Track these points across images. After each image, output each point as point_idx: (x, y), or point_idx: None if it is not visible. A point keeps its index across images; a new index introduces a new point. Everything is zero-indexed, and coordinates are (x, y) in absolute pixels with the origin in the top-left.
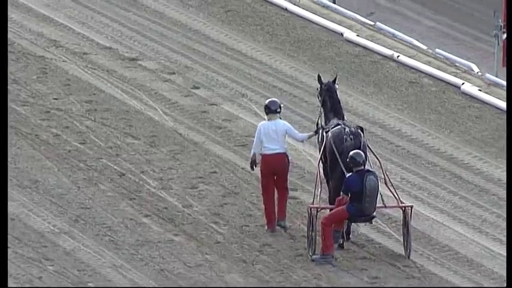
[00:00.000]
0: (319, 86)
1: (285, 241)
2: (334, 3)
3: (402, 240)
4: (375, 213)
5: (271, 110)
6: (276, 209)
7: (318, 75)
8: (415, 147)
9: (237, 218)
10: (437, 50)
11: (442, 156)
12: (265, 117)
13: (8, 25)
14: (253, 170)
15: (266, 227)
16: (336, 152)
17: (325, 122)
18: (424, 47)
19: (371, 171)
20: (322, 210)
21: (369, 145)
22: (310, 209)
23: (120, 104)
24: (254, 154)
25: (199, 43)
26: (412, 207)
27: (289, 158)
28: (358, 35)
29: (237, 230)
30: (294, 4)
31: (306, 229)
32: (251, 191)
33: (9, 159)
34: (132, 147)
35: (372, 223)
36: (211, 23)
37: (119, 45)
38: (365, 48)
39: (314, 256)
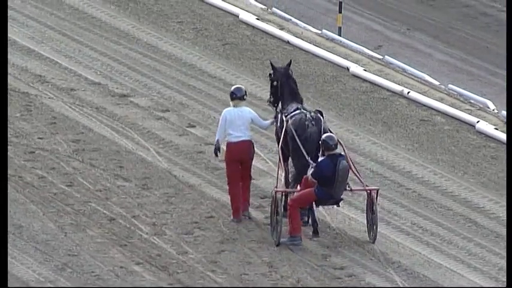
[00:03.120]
0: (272, 71)
1: None
2: (340, 35)
3: (366, 224)
4: (342, 196)
5: (237, 96)
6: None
7: (270, 61)
8: (426, 190)
9: (236, 265)
10: (450, 86)
11: (456, 199)
12: (231, 103)
13: None
14: (217, 156)
15: (231, 217)
16: (298, 139)
17: (283, 106)
18: (436, 83)
19: (342, 155)
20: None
21: (330, 129)
22: (276, 193)
23: (110, 144)
24: (218, 141)
25: (195, 78)
26: (378, 190)
27: (254, 145)
28: (365, 70)
29: (235, 279)
30: (297, 37)
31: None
32: (250, 237)
33: None
34: (123, 190)
35: (338, 206)
36: (208, 56)
37: (108, 80)
38: (373, 83)
39: (282, 239)
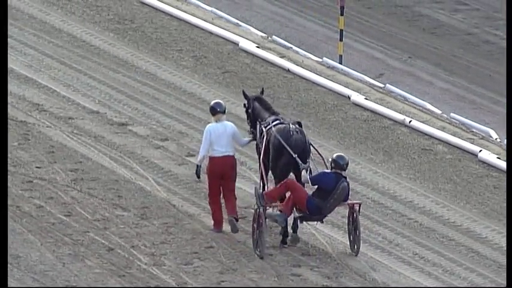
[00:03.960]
0: (246, 101)
1: None
2: (341, 63)
3: (348, 237)
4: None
5: (219, 110)
6: (228, 213)
7: (243, 90)
8: (428, 220)
9: None
10: (452, 115)
11: (458, 229)
12: (212, 119)
13: None
14: (198, 178)
15: (213, 228)
16: (286, 145)
17: (256, 121)
18: (438, 111)
19: (346, 179)
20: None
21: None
22: (259, 207)
23: (108, 173)
24: (203, 159)
25: (194, 107)
26: (360, 204)
27: (236, 160)
28: (366, 98)
29: None
30: (297, 65)
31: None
32: (250, 267)
33: None
34: (121, 219)
35: (322, 222)
36: (208, 85)
37: (107, 109)
38: (374, 112)
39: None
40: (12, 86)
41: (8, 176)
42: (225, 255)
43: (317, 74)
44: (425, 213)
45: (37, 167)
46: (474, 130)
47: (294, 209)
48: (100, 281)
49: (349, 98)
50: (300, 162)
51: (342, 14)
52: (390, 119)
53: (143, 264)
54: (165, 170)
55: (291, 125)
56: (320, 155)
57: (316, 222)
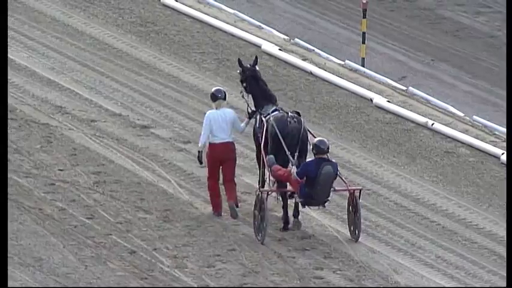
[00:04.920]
0: (240, 69)
1: None
2: (363, 66)
3: (348, 224)
4: (328, 198)
5: (218, 97)
6: (228, 200)
7: (239, 59)
8: (451, 223)
9: None
10: (475, 117)
11: (481, 232)
12: (213, 105)
13: (10, 90)
14: (201, 164)
15: (212, 212)
16: (280, 135)
17: (257, 109)
18: (461, 114)
19: (330, 161)
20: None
21: (309, 130)
22: (261, 193)
23: (130, 176)
24: (204, 145)
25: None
26: (361, 190)
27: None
28: (389, 101)
29: None
30: (320, 67)
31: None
32: (272, 270)
33: (10, 236)
34: (144, 222)
35: (324, 207)
36: (230, 87)
37: (129, 111)
38: (397, 115)
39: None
40: (34, 89)
41: (31, 179)
42: (248, 258)
43: (339, 77)
44: (448, 216)
45: (59, 170)
46: (497, 133)
47: (295, 194)
48: (122, 283)
49: (371, 100)
50: (291, 159)
51: (364, 17)
52: (413, 121)
53: (165, 267)
54: (187, 173)
55: (288, 113)
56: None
57: (317, 207)
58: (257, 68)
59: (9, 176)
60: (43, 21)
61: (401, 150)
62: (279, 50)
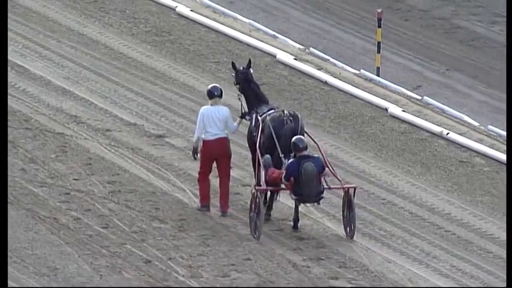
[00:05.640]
0: (234, 72)
1: None
2: (378, 75)
3: (343, 222)
4: (323, 195)
5: (214, 95)
6: (219, 199)
7: (232, 62)
8: (466, 232)
9: None
10: (490, 127)
11: (496, 242)
12: (209, 102)
13: (25, 100)
14: (195, 159)
15: (200, 205)
16: (274, 135)
17: (250, 110)
18: (476, 124)
19: (310, 157)
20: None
21: (306, 130)
22: (257, 191)
23: (145, 185)
24: (198, 140)
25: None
26: (355, 188)
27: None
28: (404, 110)
29: None
30: (335, 77)
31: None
32: (287, 279)
33: (25, 245)
34: (158, 231)
35: (319, 204)
36: None
37: (144, 121)
38: (411, 124)
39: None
40: (49, 98)
41: (46, 188)
42: (262, 268)
43: (354, 86)
44: (463, 226)
45: (74, 179)
46: None
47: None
48: None
49: (386, 110)
50: (283, 160)
51: (379, 26)
52: (428, 131)
53: (180, 277)
54: None
55: (285, 112)
56: (315, 142)
57: (313, 203)
58: (251, 70)
59: (24, 185)
60: (58, 31)
61: (416, 160)
62: (294, 59)
